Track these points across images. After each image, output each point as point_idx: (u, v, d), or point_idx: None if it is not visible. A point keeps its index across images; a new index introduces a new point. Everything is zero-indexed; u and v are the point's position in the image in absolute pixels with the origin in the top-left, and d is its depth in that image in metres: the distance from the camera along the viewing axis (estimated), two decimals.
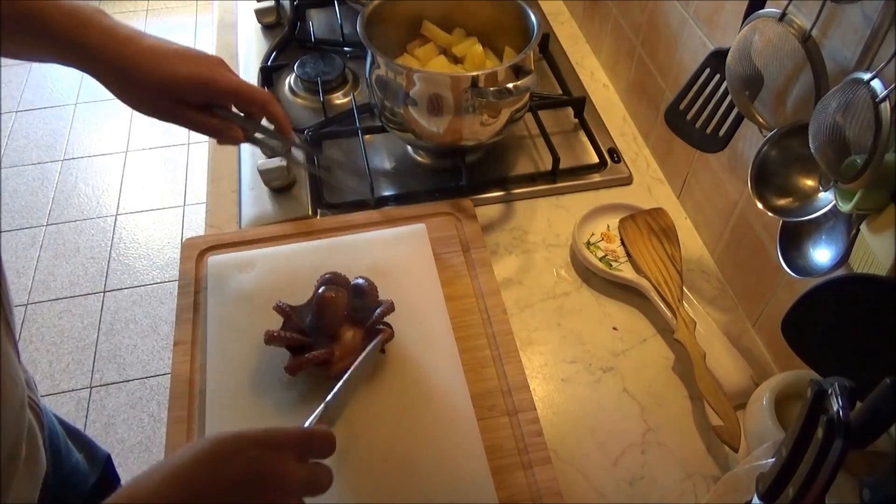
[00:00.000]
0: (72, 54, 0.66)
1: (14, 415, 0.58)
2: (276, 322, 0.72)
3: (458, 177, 0.95)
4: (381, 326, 0.73)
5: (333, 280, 0.74)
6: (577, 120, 1.05)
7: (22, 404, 0.60)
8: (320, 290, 0.72)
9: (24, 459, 0.60)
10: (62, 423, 0.80)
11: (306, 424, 0.56)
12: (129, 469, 1.66)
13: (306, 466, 0.50)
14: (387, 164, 1.00)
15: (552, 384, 0.77)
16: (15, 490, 0.59)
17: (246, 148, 1.02)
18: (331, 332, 0.71)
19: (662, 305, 0.80)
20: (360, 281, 0.75)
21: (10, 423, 0.57)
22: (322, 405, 0.59)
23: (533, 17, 0.90)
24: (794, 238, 0.62)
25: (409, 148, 1.01)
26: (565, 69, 1.13)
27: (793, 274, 0.60)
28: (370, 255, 0.82)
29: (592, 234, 0.89)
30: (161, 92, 0.68)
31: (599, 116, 1.07)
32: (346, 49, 1.16)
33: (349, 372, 0.64)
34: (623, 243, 0.87)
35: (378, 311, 0.72)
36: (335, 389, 0.61)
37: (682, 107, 0.77)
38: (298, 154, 0.95)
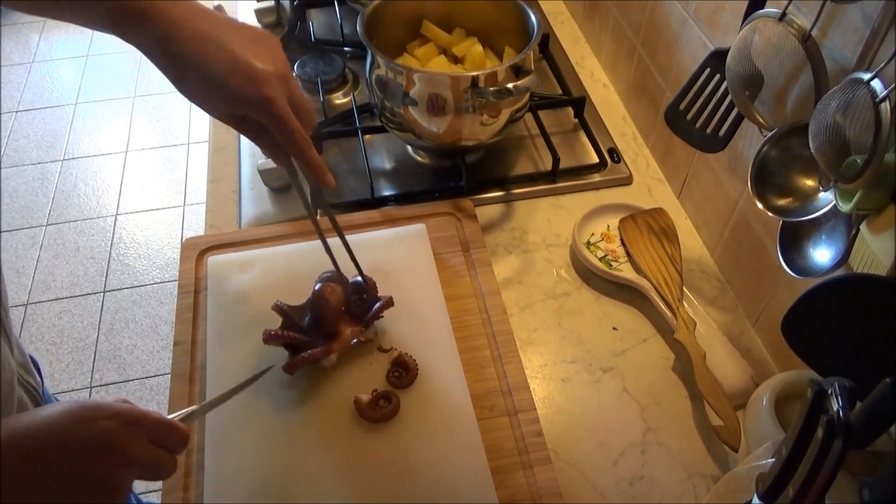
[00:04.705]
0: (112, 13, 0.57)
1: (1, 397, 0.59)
2: (275, 322, 0.73)
3: (458, 177, 0.95)
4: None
5: (331, 278, 0.74)
6: (577, 120, 1.05)
7: (10, 387, 0.61)
8: (316, 287, 0.72)
9: None
10: None
11: (172, 416, 0.57)
12: None
13: (153, 449, 0.51)
14: (387, 164, 1.00)
15: (552, 384, 0.77)
16: None
17: (246, 148, 1.02)
18: (328, 330, 0.71)
19: (662, 305, 0.80)
20: (359, 278, 0.75)
21: None
22: (193, 407, 0.59)
23: (533, 17, 0.90)
24: (794, 238, 0.62)
25: (409, 148, 1.01)
26: (565, 69, 1.13)
27: (793, 274, 0.60)
28: (370, 255, 0.82)
29: (592, 234, 0.89)
30: (206, 98, 0.61)
31: (599, 116, 1.07)
32: (346, 49, 1.16)
33: (228, 391, 0.62)
34: (623, 243, 0.87)
35: (376, 305, 0.72)
36: (210, 400, 0.61)
37: (682, 107, 0.77)
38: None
